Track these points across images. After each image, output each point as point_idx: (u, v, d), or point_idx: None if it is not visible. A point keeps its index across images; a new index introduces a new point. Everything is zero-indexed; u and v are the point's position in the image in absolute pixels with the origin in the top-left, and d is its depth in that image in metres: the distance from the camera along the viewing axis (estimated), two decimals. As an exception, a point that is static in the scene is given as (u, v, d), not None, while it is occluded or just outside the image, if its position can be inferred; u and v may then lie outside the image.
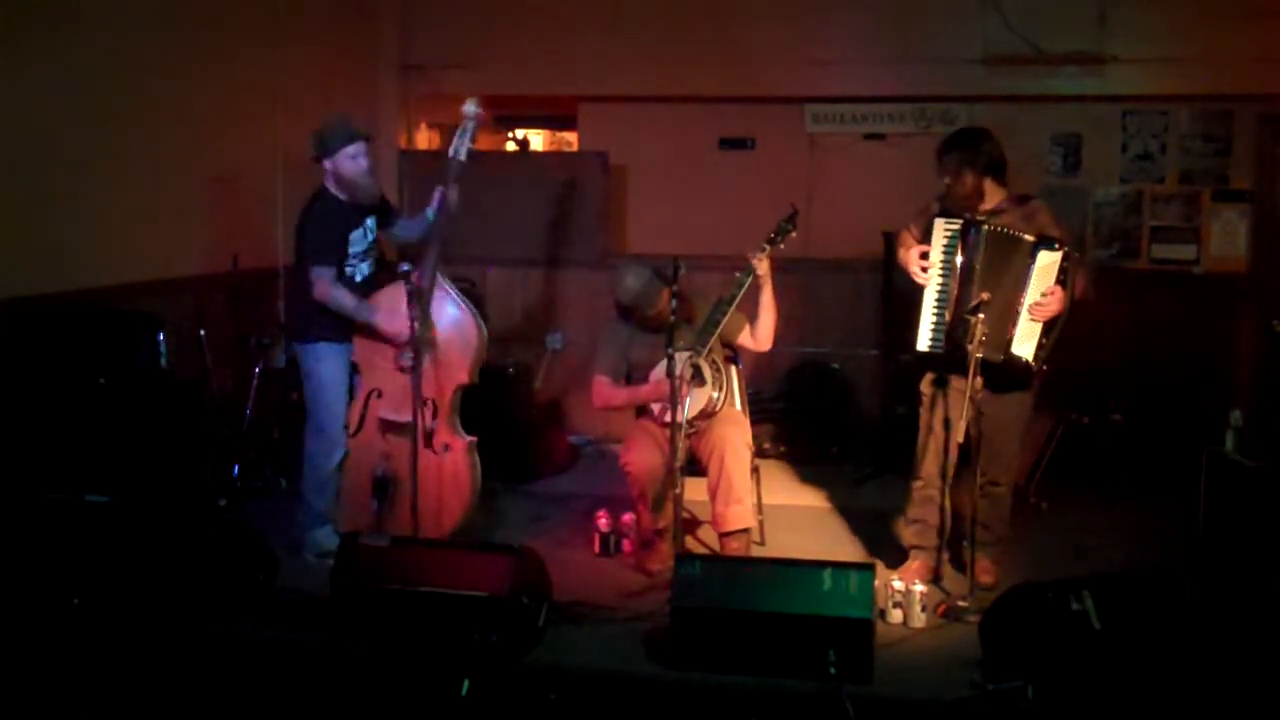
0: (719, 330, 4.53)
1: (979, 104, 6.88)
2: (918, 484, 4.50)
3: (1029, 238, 4.16)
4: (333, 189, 4.62)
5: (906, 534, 4.58)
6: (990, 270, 4.16)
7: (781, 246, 4.54)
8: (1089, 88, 6.67)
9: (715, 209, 7.18)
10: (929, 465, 4.44)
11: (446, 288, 4.63)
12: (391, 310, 4.48)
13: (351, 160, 4.54)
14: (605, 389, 4.75)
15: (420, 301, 4.38)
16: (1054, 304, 4.15)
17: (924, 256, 4.32)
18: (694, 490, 4.65)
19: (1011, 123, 6.83)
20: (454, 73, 7.27)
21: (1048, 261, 4.14)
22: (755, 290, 4.59)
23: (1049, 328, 4.19)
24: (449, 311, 4.63)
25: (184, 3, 5.56)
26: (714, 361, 4.59)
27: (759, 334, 4.69)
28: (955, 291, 4.23)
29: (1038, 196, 4.48)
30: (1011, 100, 6.82)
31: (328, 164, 4.57)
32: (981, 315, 4.02)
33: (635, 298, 4.61)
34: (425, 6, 7.37)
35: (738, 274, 4.54)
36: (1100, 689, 3.38)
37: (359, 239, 4.67)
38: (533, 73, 7.27)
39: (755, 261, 4.48)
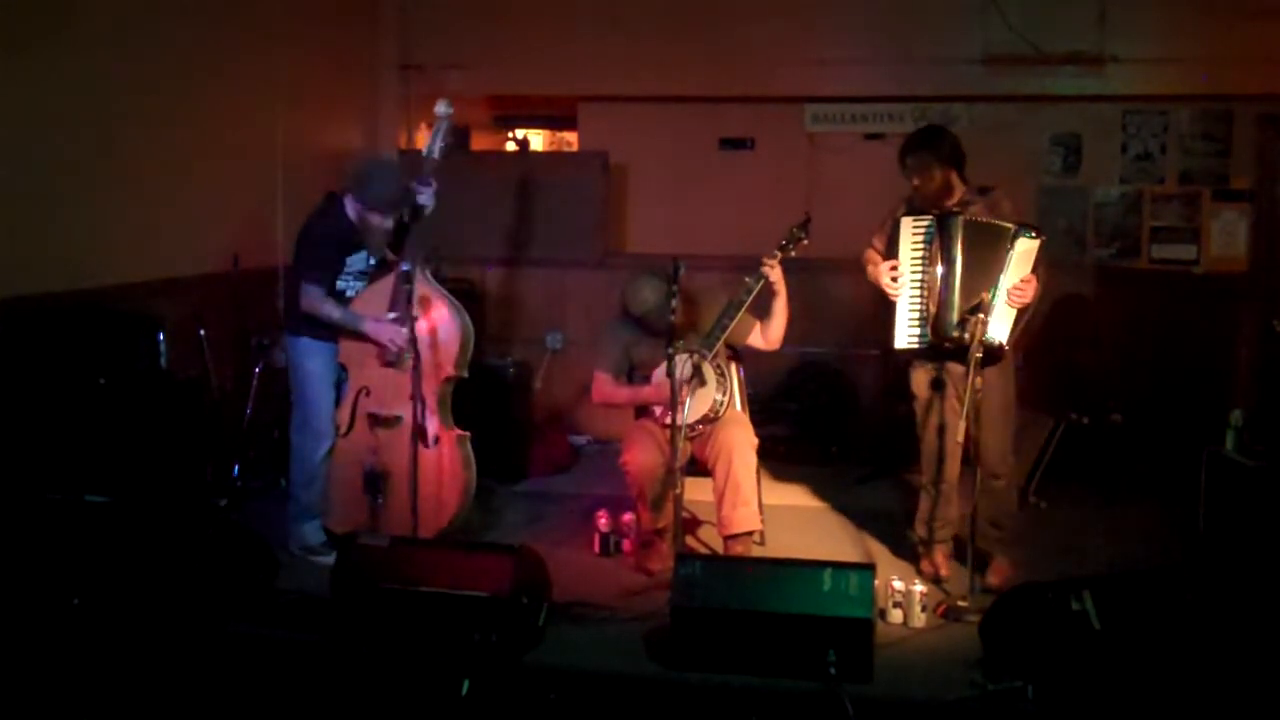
0: (726, 335, 4.52)
1: (979, 104, 6.88)
2: (927, 482, 4.52)
3: (1009, 225, 4.21)
4: (348, 210, 4.65)
5: (924, 531, 4.59)
6: (972, 259, 4.20)
7: (793, 253, 4.55)
8: (1089, 88, 6.67)
9: (715, 209, 7.18)
10: (934, 464, 4.46)
11: (429, 283, 4.64)
12: (379, 318, 4.54)
13: (381, 218, 4.60)
14: (606, 386, 4.75)
15: (410, 300, 4.41)
16: (1030, 291, 4.21)
17: (893, 270, 4.34)
18: (694, 490, 4.66)
19: (1011, 123, 6.85)
20: (454, 73, 7.27)
21: (1026, 248, 4.19)
22: (768, 294, 4.58)
23: (1021, 312, 4.24)
24: (433, 306, 4.64)
25: (184, 3, 5.56)
26: (719, 365, 4.58)
27: (770, 334, 4.69)
28: (934, 285, 4.25)
29: (998, 187, 4.50)
30: (1011, 100, 6.82)
31: (354, 202, 4.61)
32: (982, 315, 4.03)
33: (648, 311, 4.60)
34: (425, 6, 7.37)
35: (747, 279, 4.54)
36: (1100, 689, 3.38)
37: (359, 260, 4.70)
38: (533, 73, 7.27)
39: (767, 267, 4.48)
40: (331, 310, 4.58)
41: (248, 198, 5.93)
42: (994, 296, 4.18)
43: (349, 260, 4.67)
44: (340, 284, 4.69)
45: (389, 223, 4.63)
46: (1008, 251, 4.17)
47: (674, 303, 4.26)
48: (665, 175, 7.42)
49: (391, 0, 7.39)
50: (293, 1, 6.37)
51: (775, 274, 4.52)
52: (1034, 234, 4.20)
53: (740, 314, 4.54)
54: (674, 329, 4.28)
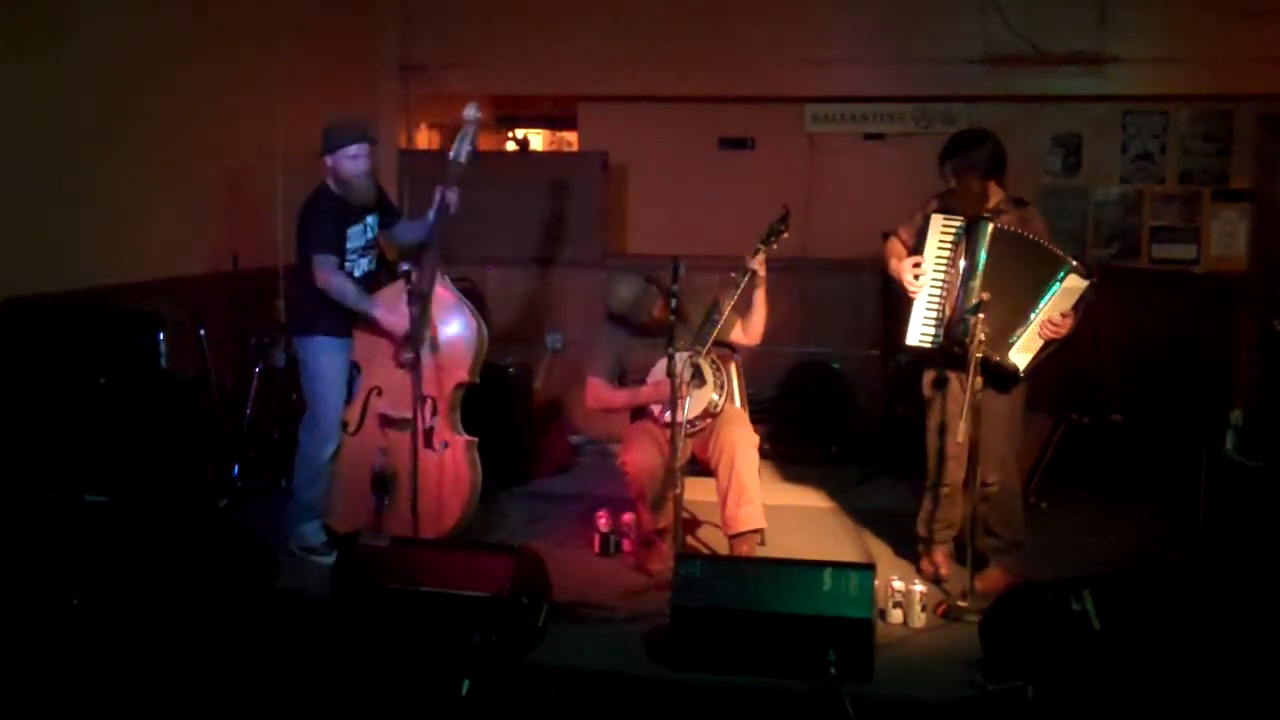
0: (717, 331, 4.54)
1: (979, 104, 6.88)
2: (930, 484, 4.52)
3: (1066, 257, 4.17)
4: (332, 185, 4.65)
5: (924, 530, 4.59)
6: (996, 269, 4.17)
7: (775, 247, 4.55)
8: (1089, 88, 6.68)
9: (715, 209, 7.18)
10: (938, 466, 4.46)
11: (448, 287, 4.65)
12: (391, 307, 4.54)
13: (351, 160, 4.58)
14: (603, 391, 4.74)
15: (420, 301, 4.41)
16: (1065, 329, 4.17)
17: (916, 266, 4.33)
18: (694, 490, 4.65)
19: (1011, 123, 6.84)
20: (454, 73, 7.28)
21: (1073, 285, 4.15)
22: (750, 288, 4.60)
23: (1048, 344, 4.21)
24: (449, 310, 4.64)
25: (184, 3, 5.56)
26: (714, 361, 4.59)
27: (751, 330, 4.70)
28: (955, 287, 4.24)
29: (1032, 202, 4.49)
30: (1011, 100, 6.83)
31: (329, 160, 4.61)
32: (982, 315, 4.02)
33: (629, 308, 4.62)
34: (425, 6, 7.37)
35: (734, 274, 4.55)
36: (1100, 689, 3.38)
37: (357, 234, 4.70)
38: (533, 73, 7.27)
39: (752, 264, 4.50)
40: (346, 286, 4.57)
41: (248, 198, 5.92)
42: (1027, 322, 4.16)
43: (349, 233, 4.67)
44: (347, 264, 4.68)
45: (360, 164, 4.59)
46: (1054, 282, 4.14)
47: (674, 302, 4.26)
48: (665, 175, 7.42)
49: (391, 0, 7.40)
50: (292, 1, 6.37)
51: (759, 270, 4.53)
52: (1087, 275, 4.16)
53: (728, 310, 4.55)
54: (672, 328, 4.28)
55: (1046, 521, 5.29)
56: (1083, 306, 4.21)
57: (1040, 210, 4.49)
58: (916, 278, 4.32)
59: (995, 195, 4.35)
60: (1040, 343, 4.19)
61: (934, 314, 4.31)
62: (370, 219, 4.75)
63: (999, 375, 4.24)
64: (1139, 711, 3.35)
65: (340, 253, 4.64)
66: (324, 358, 4.71)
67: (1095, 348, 6.10)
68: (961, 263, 4.24)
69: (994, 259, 4.18)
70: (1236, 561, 4.24)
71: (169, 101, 5.42)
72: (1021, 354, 4.20)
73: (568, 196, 6.99)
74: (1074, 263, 4.17)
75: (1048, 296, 4.15)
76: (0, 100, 4.57)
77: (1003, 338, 4.17)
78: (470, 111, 4.61)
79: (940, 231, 4.31)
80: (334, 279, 4.56)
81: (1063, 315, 4.16)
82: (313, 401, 4.76)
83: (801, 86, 7.09)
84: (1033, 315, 4.17)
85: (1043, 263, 4.18)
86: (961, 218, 4.28)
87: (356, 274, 4.71)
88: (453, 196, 4.59)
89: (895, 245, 4.53)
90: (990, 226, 4.19)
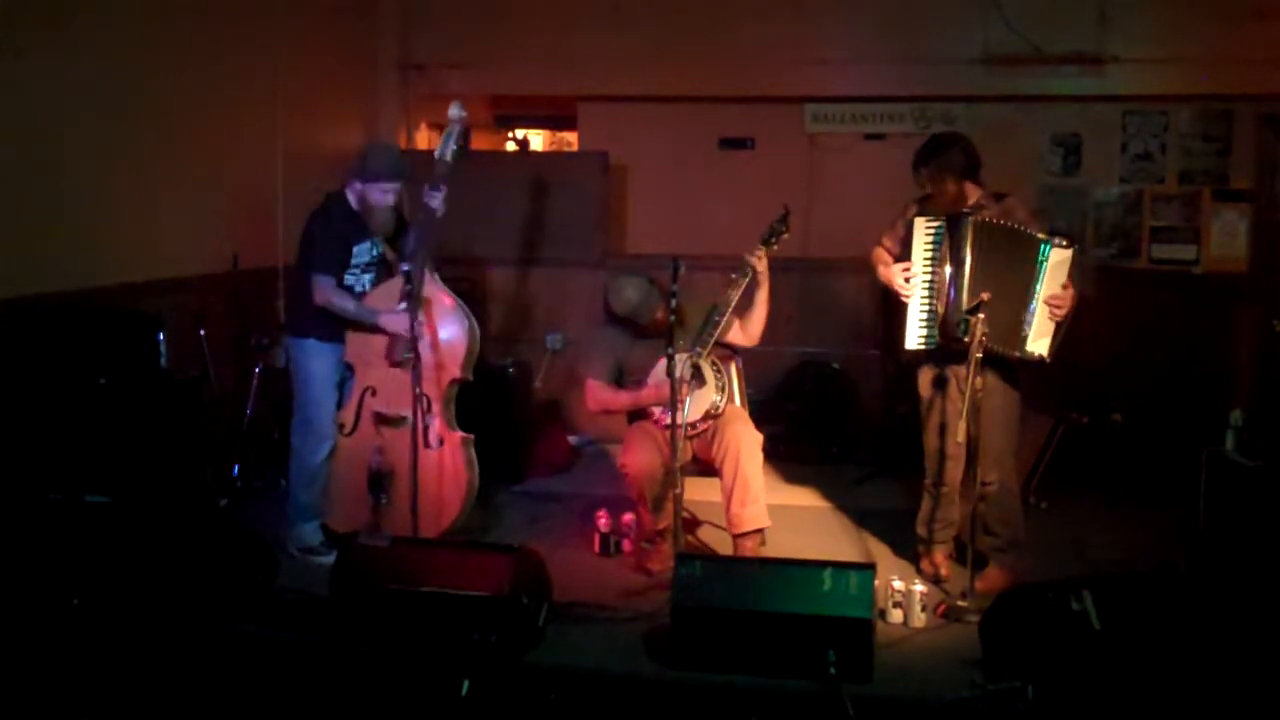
0: (718, 332, 4.53)
1: (979, 104, 6.88)
2: (929, 483, 4.52)
3: (1040, 236, 4.20)
4: (352, 201, 4.68)
5: (924, 530, 4.59)
6: (986, 262, 4.18)
7: (776, 247, 4.55)
8: (1089, 88, 6.68)
9: (715, 209, 7.19)
10: (938, 466, 4.46)
11: (438, 285, 4.65)
12: (392, 310, 4.54)
13: (381, 194, 4.63)
14: (603, 393, 4.74)
15: (414, 300, 4.41)
16: (1069, 300, 4.21)
17: (905, 270, 4.34)
18: (694, 490, 4.65)
19: (1011, 123, 6.86)
20: (454, 73, 7.28)
21: (1060, 259, 4.19)
22: (752, 288, 4.60)
23: (1060, 324, 4.24)
24: (441, 308, 4.65)
25: (184, 3, 5.56)
26: (714, 363, 4.58)
27: (750, 330, 4.70)
28: (945, 286, 4.24)
29: (1012, 194, 4.51)
30: (1011, 100, 6.83)
31: (359, 184, 4.65)
32: (982, 315, 4.03)
33: (633, 310, 4.61)
34: (425, 6, 7.38)
35: (733, 275, 4.55)
36: (1100, 689, 3.38)
37: (364, 251, 4.72)
38: (533, 73, 7.28)
39: (754, 261, 4.49)
40: (345, 302, 4.61)
41: (248, 198, 5.93)
42: (1032, 309, 4.19)
43: (355, 250, 4.69)
44: (349, 279, 4.70)
45: (390, 198, 4.65)
46: (1039, 263, 4.17)
47: (674, 303, 4.26)
48: (665, 175, 7.43)
49: (391, 0, 7.40)
50: (293, 1, 6.37)
51: (761, 269, 4.53)
52: (1065, 244, 4.20)
53: (729, 311, 4.55)
54: (671, 329, 4.28)
55: (1046, 521, 5.29)
56: (1077, 278, 4.25)
57: (1040, 209, 4.51)
58: (907, 280, 4.33)
59: (974, 194, 4.37)
60: (1052, 325, 4.23)
61: (927, 315, 4.33)
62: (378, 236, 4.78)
63: (1017, 368, 4.26)
64: (1139, 711, 3.35)
65: (343, 268, 4.66)
66: (316, 360, 4.72)
67: (1095, 348, 6.10)
68: (948, 268, 4.24)
69: (981, 253, 4.19)
70: (1236, 561, 4.24)
71: (169, 102, 5.42)
72: (1039, 341, 4.23)
73: (568, 196, 6.99)
74: (1051, 238, 4.21)
75: (1040, 277, 4.19)
76: (0, 100, 4.56)
77: (1015, 333, 4.20)
78: (454, 111, 4.61)
79: (924, 233, 4.34)
80: (333, 299, 4.60)
81: (1062, 288, 4.20)
82: (305, 403, 4.77)
83: (801, 86, 7.09)
84: (1034, 301, 4.19)
85: (1024, 246, 4.21)
86: (941, 218, 4.30)
87: (359, 289, 4.73)
88: (438, 198, 4.58)
89: (880, 254, 4.55)
90: (970, 221, 4.21)
